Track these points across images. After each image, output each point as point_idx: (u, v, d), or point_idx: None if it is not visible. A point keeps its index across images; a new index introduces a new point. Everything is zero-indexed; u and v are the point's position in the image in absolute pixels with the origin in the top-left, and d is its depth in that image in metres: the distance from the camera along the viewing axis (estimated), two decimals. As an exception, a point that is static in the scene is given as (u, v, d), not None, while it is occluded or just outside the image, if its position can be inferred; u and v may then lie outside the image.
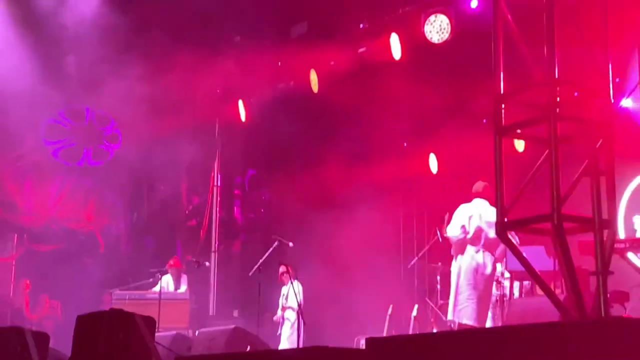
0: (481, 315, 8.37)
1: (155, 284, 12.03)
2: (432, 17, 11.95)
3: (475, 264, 8.42)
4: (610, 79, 4.76)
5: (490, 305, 9.39)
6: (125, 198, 15.23)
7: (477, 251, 8.46)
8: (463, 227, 8.52)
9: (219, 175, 16.07)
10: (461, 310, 8.34)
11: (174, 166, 15.52)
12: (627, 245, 7.73)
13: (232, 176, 16.43)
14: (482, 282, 8.42)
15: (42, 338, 6.60)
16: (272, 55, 14.06)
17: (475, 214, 8.57)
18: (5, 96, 12.50)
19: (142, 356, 5.42)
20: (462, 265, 8.47)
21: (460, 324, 8.32)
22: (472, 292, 8.34)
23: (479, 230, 8.49)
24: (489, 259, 8.49)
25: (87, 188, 14.62)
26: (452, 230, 8.58)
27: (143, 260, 13.17)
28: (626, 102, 7.99)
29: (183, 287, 12.49)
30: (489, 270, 8.46)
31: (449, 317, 8.56)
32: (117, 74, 12.60)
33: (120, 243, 14.80)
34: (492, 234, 8.42)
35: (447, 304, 9.04)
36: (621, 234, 11.40)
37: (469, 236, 8.50)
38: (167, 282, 12.38)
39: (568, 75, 4.74)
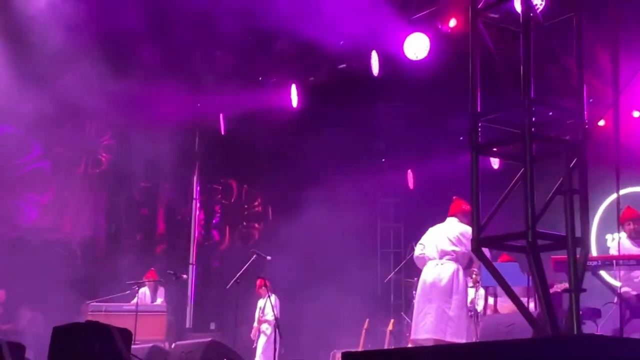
0: (441, 327, 8.21)
1: (132, 296, 11.96)
2: (411, 36, 12.03)
3: (431, 277, 8.36)
4: (585, 100, 4.82)
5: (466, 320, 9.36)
6: (103, 209, 15.13)
7: (435, 264, 8.42)
8: (422, 245, 8.57)
9: (197, 188, 16.04)
10: (422, 327, 8.26)
11: (154, 177, 15.51)
12: (600, 263, 7.77)
13: (211, 189, 16.40)
14: (439, 295, 8.30)
15: (17, 348, 6.54)
16: (252, 71, 14.11)
17: (437, 232, 8.58)
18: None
19: (118, 368, 5.39)
20: (421, 282, 8.45)
21: (423, 341, 8.20)
22: (430, 306, 8.26)
23: (436, 246, 8.46)
24: (446, 272, 8.36)
25: (66, 198, 14.50)
26: (415, 250, 8.67)
27: (120, 272, 13.07)
28: (598, 123, 8.08)
29: (159, 300, 12.42)
30: (445, 282, 8.32)
31: (412, 336, 8.46)
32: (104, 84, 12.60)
33: (97, 254, 14.67)
34: (449, 247, 8.38)
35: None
36: (594, 252, 11.51)
37: (425, 250, 8.52)
38: (144, 294, 12.32)
39: (543, 95, 4.79)
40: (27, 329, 12.51)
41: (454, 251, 8.33)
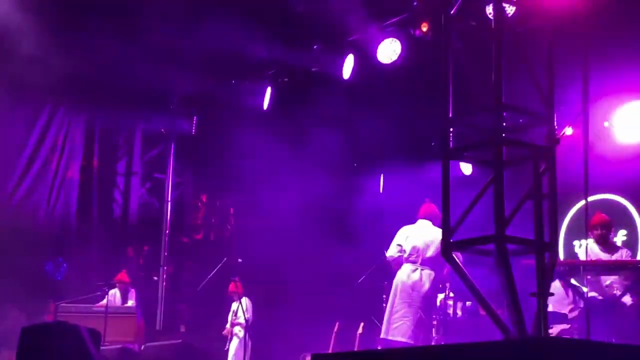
0: (417, 333, 8.31)
1: (102, 297, 11.86)
2: (385, 41, 12.07)
3: (411, 282, 8.42)
4: (554, 107, 4.85)
5: (434, 323, 9.45)
6: (74, 209, 14.97)
7: (415, 270, 8.47)
8: (399, 247, 8.58)
9: (169, 191, 15.95)
10: (396, 328, 8.32)
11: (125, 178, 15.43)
12: (567, 268, 7.85)
13: (184, 191, 16.33)
14: (419, 300, 8.38)
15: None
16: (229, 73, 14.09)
17: (414, 234, 8.62)
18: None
19: (87, 369, 5.34)
20: (399, 284, 8.49)
21: (394, 342, 8.26)
22: (408, 310, 8.32)
23: (415, 249, 8.52)
24: (427, 277, 8.46)
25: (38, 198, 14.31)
26: (390, 251, 8.66)
27: (90, 272, 12.95)
28: (568, 131, 8.16)
29: (130, 302, 12.33)
30: (426, 287, 8.43)
31: (382, 335, 8.52)
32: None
33: (68, 254, 14.49)
34: (430, 252, 8.49)
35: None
36: (561, 257, 11.60)
37: (405, 255, 8.55)
38: (114, 295, 12.22)
39: (514, 101, 4.81)
40: (13, 330, 12.29)
41: (435, 258, 8.38)
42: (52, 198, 14.47)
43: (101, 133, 15.15)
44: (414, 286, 8.39)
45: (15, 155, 14.00)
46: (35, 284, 12.33)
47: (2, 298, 12.50)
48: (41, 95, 13.78)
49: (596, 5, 6.89)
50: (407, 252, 8.52)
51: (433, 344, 8.95)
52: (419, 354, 3.70)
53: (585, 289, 8.24)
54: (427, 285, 8.42)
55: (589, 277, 7.90)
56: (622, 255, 8.59)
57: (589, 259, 8.23)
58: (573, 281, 8.02)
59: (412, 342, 8.17)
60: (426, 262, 8.51)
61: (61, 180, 14.63)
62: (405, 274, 8.46)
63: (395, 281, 8.57)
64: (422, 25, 11.64)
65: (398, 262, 8.57)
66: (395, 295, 8.48)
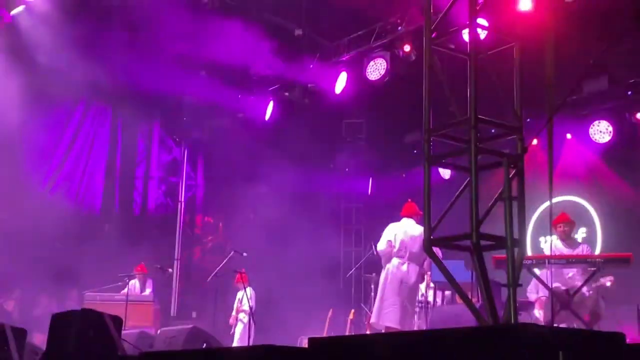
0: (403, 319, 8.39)
1: (123, 287, 11.84)
2: (373, 62, 12.08)
3: (400, 274, 8.47)
4: (522, 119, 4.87)
5: (417, 311, 9.48)
6: (98, 207, 14.93)
7: (403, 263, 8.51)
8: (389, 242, 8.59)
9: (183, 191, 15.95)
10: (387, 314, 8.36)
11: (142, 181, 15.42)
12: (534, 261, 7.84)
13: (195, 194, 16.31)
14: (406, 290, 8.46)
15: (20, 333, 6.43)
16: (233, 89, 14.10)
17: (401, 231, 8.64)
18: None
19: (109, 351, 5.32)
20: (389, 275, 8.51)
21: (385, 327, 8.32)
22: (397, 298, 8.37)
23: (403, 245, 8.55)
24: (413, 270, 8.53)
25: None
26: (380, 245, 8.67)
27: (112, 264, 12.91)
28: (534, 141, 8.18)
29: (148, 290, 12.31)
30: (412, 280, 8.52)
31: (372, 319, 8.56)
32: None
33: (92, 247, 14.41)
34: (415, 248, 8.53)
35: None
36: (529, 252, 11.62)
37: (394, 250, 8.56)
38: (134, 285, 12.20)
39: (488, 114, 4.82)
40: (42, 317, 12.24)
41: (418, 253, 8.43)
42: (80, 195, 14.44)
43: (123, 139, 15.12)
44: (402, 278, 8.45)
45: (51, 152, 13.95)
46: (64, 274, 12.27)
47: (35, 286, 12.48)
48: (72, 98, 13.75)
49: (561, 22, 6.89)
50: (397, 247, 8.54)
51: (415, 329, 8.96)
52: (403, 338, 3.69)
53: (549, 280, 8.24)
54: (413, 278, 8.51)
55: (553, 269, 7.90)
56: (583, 250, 8.60)
57: (553, 253, 8.23)
58: (538, 273, 8.01)
59: (399, 327, 8.19)
60: (412, 257, 8.54)
61: (88, 180, 14.61)
62: (395, 267, 8.50)
63: (385, 273, 8.59)
64: (405, 46, 11.67)
65: (388, 256, 8.59)
66: (385, 285, 8.51)
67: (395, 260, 8.52)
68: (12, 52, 11.66)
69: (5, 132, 11.41)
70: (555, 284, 8.18)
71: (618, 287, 9.00)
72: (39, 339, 8.71)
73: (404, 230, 8.63)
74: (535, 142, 8.49)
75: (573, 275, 8.40)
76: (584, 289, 7.89)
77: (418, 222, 8.58)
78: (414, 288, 8.66)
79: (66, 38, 11.40)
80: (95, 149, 14.72)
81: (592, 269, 7.46)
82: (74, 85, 12.16)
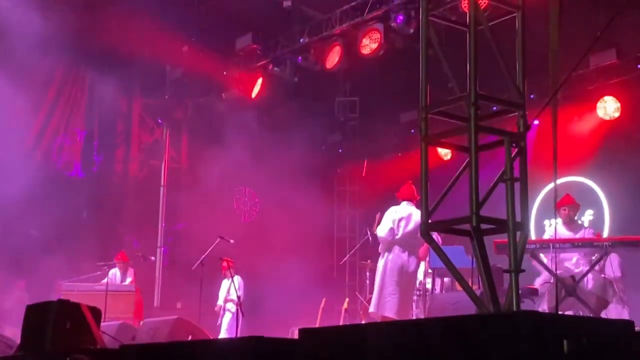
0: (403, 309, 8.44)
1: (103, 276, 11.83)
2: (368, 35, 12.04)
3: (400, 262, 8.49)
4: (525, 95, 4.85)
5: (415, 299, 9.53)
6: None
7: (403, 251, 8.54)
8: (392, 229, 8.58)
9: (165, 177, 15.92)
10: (385, 304, 8.39)
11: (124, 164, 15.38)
12: (538, 245, 7.88)
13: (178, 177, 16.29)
14: (406, 279, 8.50)
15: None
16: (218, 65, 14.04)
17: (402, 216, 8.63)
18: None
19: (88, 344, 5.32)
20: (389, 263, 8.53)
21: (383, 316, 8.37)
22: (396, 287, 8.41)
23: (405, 233, 8.55)
24: (413, 259, 8.59)
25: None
26: (382, 231, 8.65)
27: (90, 253, 12.90)
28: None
29: (128, 280, 12.31)
30: (412, 268, 8.57)
31: (371, 309, 8.61)
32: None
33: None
34: (415, 234, 8.52)
35: (375, 298, 9.09)
36: (532, 236, 11.65)
37: (397, 237, 8.57)
38: (114, 275, 12.19)
39: (488, 90, 4.80)
40: (14, 307, 12.22)
41: (418, 240, 8.45)
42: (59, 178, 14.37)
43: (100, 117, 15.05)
44: (402, 266, 8.48)
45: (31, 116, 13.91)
46: (39, 263, 12.26)
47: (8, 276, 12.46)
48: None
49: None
50: (399, 235, 8.55)
51: (414, 318, 9.00)
52: (400, 327, 3.70)
53: (554, 266, 8.28)
54: (412, 266, 8.53)
55: (557, 254, 7.94)
56: (585, 234, 8.67)
57: (557, 237, 8.26)
58: (542, 258, 8.05)
59: (397, 317, 8.23)
60: (412, 244, 8.55)
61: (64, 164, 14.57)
62: (396, 255, 8.53)
63: (383, 260, 8.60)
64: (400, 17, 11.61)
65: (388, 243, 8.58)
66: (384, 273, 8.53)
67: (395, 249, 8.54)
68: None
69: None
70: (560, 270, 8.22)
71: (628, 271, 9.06)
72: (10, 332, 8.71)
73: (405, 216, 8.62)
74: (536, 122, 8.49)
75: (577, 259, 8.44)
76: (589, 274, 7.93)
77: (417, 206, 8.57)
78: (413, 276, 8.71)
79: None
80: (70, 131, 14.65)
81: (597, 252, 7.50)
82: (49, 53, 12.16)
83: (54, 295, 11.11)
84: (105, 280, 11.63)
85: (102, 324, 6.00)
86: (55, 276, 12.39)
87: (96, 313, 5.63)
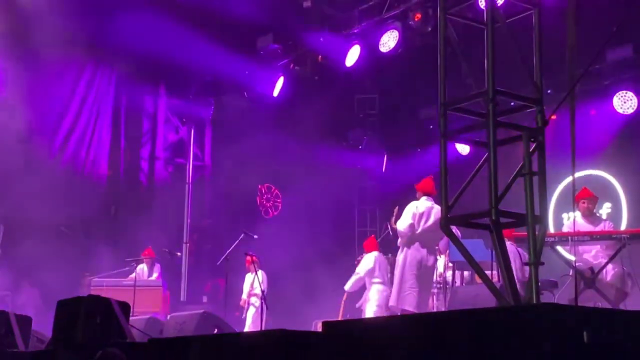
0: (422, 303, 8.47)
1: (131, 272, 11.92)
2: (387, 34, 12.02)
3: (420, 256, 8.52)
4: (542, 91, 4.82)
5: (435, 292, 9.53)
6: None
7: (422, 246, 8.56)
8: (411, 225, 8.58)
9: (190, 175, 16.00)
10: (405, 297, 8.41)
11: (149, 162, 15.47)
12: (556, 239, 7.83)
13: (203, 175, 16.36)
14: (425, 273, 8.54)
15: (25, 321, 6.49)
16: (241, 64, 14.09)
17: (424, 213, 8.62)
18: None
19: (117, 338, 5.36)
20: (408, 257, 8.54)
21: (402, 310, 8.38)
22: (415, 281, 8.44)
23: (425, 229, 8.56)
24: (431, 253, 8.62)
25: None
26: (402, 226, 8.64)
27: (119, 249, 12.99)
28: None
29: (154, 275, 12.40)
30: (430, 263, 8.61)
31: (391, 303, 8.64)
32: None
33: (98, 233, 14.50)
34: (435, 229, 8.51)
35: (396, 292, 9.09)
36: (551, 229, 11.57)
37: (416, 233, 8.57)
38: (142, 270, 12.28)
39: (506, 86, 4.78)
40: (27, 303, 12.35)
41: (438, 236, 8.47)
42: (85, 177, 14.47)
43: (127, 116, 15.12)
44: (422, 261, 8.52)
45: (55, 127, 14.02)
46: (71, 259, 12.37)
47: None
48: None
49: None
50: (418, 230, 8.56)
51: (434, 310, 9.00)
52: (421, 320, 3.70)
53: (573, 258, 8.23)
54: (431, 261, 8.57)
55: (576, 247, 7.88)
56: (605, 226, 8.58)
57: (576, 230, 8.20)
58: (562, 251, 8.00)
59: (417, 311, 8.24)
60: (431, 239, 8.58)
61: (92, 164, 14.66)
62: (416, 249, 8.56)
63: (403, 254, 8.62)
64: (416, 16, 11.59)
65: (408, 238, 8.59)
66: (404, 267, 8.55)
67: (416, 244, 8.55)
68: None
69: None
70: (579, 263, 8.17)
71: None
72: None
73: (424, 212, 8.62)
74: (554, 117, 8.43)
75: (596, 252, 8.38)
76: (608, 267, 7.87)
77: (435, 201, 8.57)
78: (432, 270, 8.73)
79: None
80: (98, 129, 14.74)
81: (616, 245, 7.43)
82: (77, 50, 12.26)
83: (82, 291, 11.24)
84: (132, 276, 11.72)
85: (130, 318, 6.04)
86: (83, 272, 12.52)
87: (125, 308, 5.66)
